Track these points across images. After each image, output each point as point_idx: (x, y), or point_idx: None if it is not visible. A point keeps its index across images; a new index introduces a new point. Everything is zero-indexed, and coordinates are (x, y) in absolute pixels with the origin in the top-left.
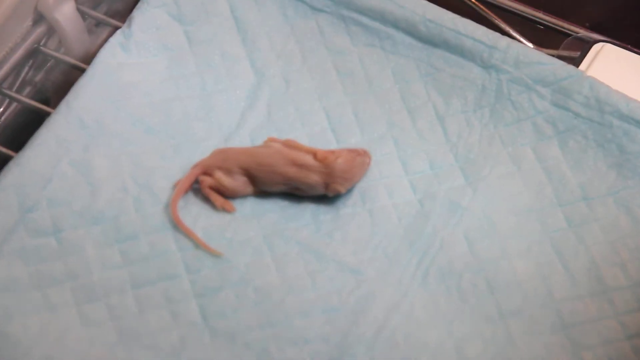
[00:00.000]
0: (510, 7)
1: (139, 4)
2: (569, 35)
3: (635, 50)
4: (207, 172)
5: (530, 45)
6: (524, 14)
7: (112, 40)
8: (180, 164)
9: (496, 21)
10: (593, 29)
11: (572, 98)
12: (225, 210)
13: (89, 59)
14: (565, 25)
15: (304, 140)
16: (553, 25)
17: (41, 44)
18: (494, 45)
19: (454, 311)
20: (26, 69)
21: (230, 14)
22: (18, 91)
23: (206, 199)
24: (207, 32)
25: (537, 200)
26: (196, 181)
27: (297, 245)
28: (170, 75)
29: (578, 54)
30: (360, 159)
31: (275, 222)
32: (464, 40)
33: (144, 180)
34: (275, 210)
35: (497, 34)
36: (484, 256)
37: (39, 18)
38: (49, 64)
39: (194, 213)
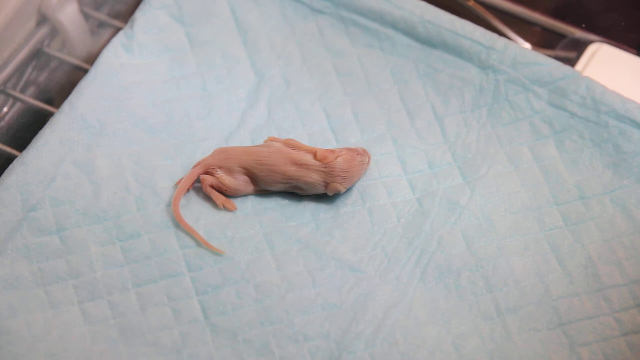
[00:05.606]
0: (507, 8)
1: (141, 5)
2: (566, 36)
3: (631, 50)
4: (208, 171)
5: (528, 46)
6: (521, 15)
7: (114, 41)
8: (182, 163)
9: (494, 22)
10: (589, 29)
11: (569, 98)
12: (226, 208)
13: (91, 59)
14: (562, 26)
15: (304, 140)
16: (550, 26)
17: (44, 44)
18: (492, 46)
19: (452, 308)
20: (30, 69)
21: (231, 16)
22: (22, 91)
23: (207, 198)
24: (208, 33)
25: (534, 199)
26: (197, 180)
27: (298, 243)
28: (172, 75)
29: (574, 54)
30: (359, 158)
31: (276, 221)
32: (462, 41)
33: (145, 180)
34: (275, 208)
35: (495, 35)
36: (482, 254)
37: (43, 19)
38: (52, 65)
39: (196, 212)
